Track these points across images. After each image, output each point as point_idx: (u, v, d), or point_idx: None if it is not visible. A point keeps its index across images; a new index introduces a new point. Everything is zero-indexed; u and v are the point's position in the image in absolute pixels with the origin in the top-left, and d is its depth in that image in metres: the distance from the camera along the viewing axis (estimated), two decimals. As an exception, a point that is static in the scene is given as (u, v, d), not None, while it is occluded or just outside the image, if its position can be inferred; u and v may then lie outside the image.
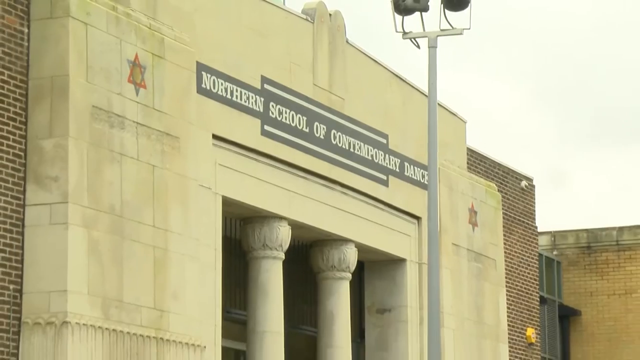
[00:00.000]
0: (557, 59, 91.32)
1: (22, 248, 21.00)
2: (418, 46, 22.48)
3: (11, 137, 20.97)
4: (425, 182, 26.43)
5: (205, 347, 23.23)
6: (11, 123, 21.02)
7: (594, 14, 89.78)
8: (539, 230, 39.09)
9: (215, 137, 24.48)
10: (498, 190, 34.46)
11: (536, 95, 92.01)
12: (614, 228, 42.46)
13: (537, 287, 38.03)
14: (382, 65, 29.83)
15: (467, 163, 33.46)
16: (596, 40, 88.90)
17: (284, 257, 26.51)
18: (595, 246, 42.20)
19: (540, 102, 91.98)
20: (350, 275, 28.85)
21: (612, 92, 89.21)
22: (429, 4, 22.02)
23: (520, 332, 35.58)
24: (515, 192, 36.77)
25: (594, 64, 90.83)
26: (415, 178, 29.92)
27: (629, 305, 41.54)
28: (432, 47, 22.27)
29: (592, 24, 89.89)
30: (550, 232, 42.05)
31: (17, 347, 20.68)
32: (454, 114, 32.57)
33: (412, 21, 22.44)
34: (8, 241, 20.75)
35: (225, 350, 24.66)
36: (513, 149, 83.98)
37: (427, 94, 23.31)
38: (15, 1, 21.28)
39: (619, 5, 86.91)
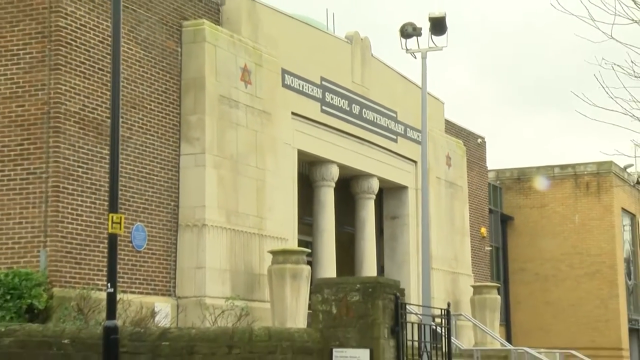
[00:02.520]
0: (499, 44, 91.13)
1: (178, 180, 21.29)
2: (415, 57, 22.52)
3: (171, 114, 21.27)
4: (419, 139, 26.38)
5: (287, 239, 23.44)
6: (171, 105, 21.31)
7: (527, 12, 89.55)
8: (488, 168, 38.95)
9: (293, 113, 24.47)
10: (463, 144, 34.36)
11: (484, 74, 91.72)
12: (534, 167, 42.37)
13: (487, 203, 37.96)
14: (392, 69, 29.72)
15: (445, 128, 33.36)
16: (527, 31, 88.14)
17: (334, 185, 26.53)
18: (522, 178, 42.02)
19: (487, 80, 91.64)
20: (374, 196, 28.81)
21: (537, 69, 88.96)
22: (422, 31, 22.04)
23: (476, 230, 35.52)
24: (473, 145, 36.57)
25: (523, 49, 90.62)
26: (414, 137, 29.85)
27: (543, 214, 41.41)
28: (424, 58, 22.29)
29: (524, 19, 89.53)
30: (495, 170, 41.87)
31: (176, 240, 20.97)
32: (436, 98, 32.44)
33: (411, 41, 22.50)
34: (170, 176, 21.11)
35: (299, 241, 24.79)
36: (471, 114, 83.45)
37: (420, 86, 23.30)
38: (173, 32, 21.41)
39: (543, 7, 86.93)
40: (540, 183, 41.32)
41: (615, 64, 11.07)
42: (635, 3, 10.30)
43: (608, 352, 38.24)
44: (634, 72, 10.71)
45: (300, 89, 24.86)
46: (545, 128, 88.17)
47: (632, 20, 10.45)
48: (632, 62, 10.69)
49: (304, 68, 25.01)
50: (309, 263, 22.26)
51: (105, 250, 15.29)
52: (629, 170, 43.49)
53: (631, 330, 42.09)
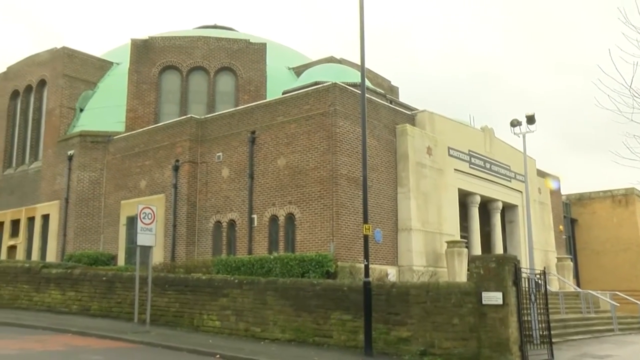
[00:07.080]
0: (557, 109, 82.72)
1: (397, 206, 20.53)
2: (519, 137, 20.89)
3: (391, 172, 20.67)
4: (523, 180, 24.50)
5: (454, 235, 22.25)
6: (391, 168, 20.69)
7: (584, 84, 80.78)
8: (562, 193, 35.82)
9: (454, 169, 23.26)
10: (546, 180, 31.70)
11: (546, 130, 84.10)
12: (588, 191, 38.83)
13: (562, 212, 34.87)
14: (506, 143, 27.78)
15: (537, 173, 30.90)
16: (584, 84, 79.10)
17: (478, 206, 24.94)
18: (582, 198, 38.48)
19: (550, 134, 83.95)
20: (500, 210, 26.88)
21: (584, 118, 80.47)
22: (522, 122, 20.46)
23: (557, 227, 32.62)
24: (553, 180, 33.70)
25: (573, 113, 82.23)
26: (520, 179, 27.71)
27: (594, 218, 37.66)
28: (524, 137, 20.63)
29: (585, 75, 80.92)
30: (566, 194, 38.46)
31: (397, 237, 20.24)
32: (531, 157, 30.12)
33: (516, 128, 20.90)
34: (392, 205, 20.32)
35: (461, 235, 23.35)
36: (548, 160, 76.50)
37: (522, 151, 21.60)
38: (391, 131, 20.99)
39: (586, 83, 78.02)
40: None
41: (635, 135, 10.18)
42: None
43: (638, 292, 34.21)
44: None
45: (458, 156, 23.69)
46: (592, 166, 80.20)
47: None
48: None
49: (459, 145, 23.88)
50: (466, 247, 21.13)
51: (362, 243, 15.03)
52: (645, 192, 39.22)
53: (652, 281, 37.70)
